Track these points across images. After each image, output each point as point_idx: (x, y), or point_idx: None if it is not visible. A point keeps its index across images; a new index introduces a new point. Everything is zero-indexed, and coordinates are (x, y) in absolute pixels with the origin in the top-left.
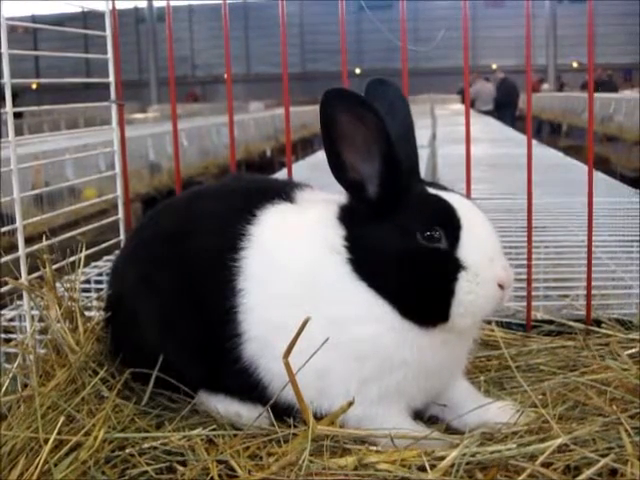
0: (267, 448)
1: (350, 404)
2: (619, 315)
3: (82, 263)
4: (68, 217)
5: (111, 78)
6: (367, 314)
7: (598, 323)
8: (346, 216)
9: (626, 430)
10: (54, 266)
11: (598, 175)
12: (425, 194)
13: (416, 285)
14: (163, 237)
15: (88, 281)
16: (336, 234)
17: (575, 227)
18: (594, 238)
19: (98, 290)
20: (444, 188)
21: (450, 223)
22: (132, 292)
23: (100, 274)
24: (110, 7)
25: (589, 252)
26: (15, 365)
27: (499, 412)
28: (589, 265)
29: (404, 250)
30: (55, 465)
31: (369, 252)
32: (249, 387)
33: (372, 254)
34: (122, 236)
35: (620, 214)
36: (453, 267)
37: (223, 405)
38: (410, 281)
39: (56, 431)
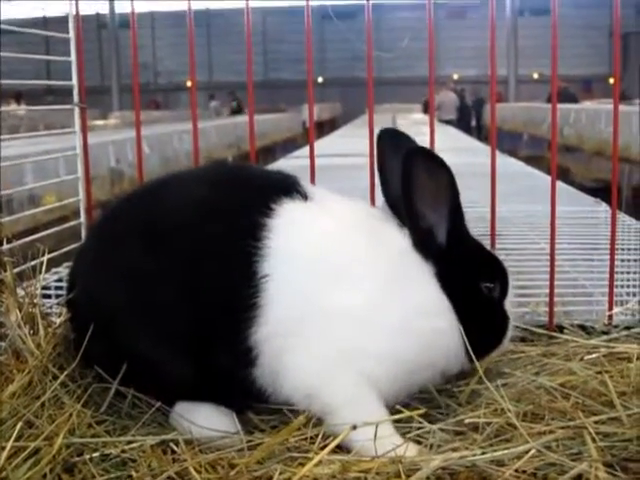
0: (230, 459)
1: (354, 428)
2: (581, 321)
3: (44, 267)
4: (27, 224)
5: (74, 81)
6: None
7: (561, 329)
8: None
9: (590, 434)
10: (14, 270)
11: (559, 184)
12: (479, 246)
13: (471, 333)
14: (142, 230)
15: (48, 287)
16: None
17: (536, 235)
18: (555, 246)
19: (58, 296)
20: None
21: (502, 277)
22: (105, 288)
23: (60, 280)
24: (74, 9)
25: (552, 259)
26: None
27: None
28: (552, 272)
29: (471, 298)
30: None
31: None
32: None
33: None
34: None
35: (580, 222)
36: (504, 320)
37: (208, 417)
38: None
39: (13, 438)
